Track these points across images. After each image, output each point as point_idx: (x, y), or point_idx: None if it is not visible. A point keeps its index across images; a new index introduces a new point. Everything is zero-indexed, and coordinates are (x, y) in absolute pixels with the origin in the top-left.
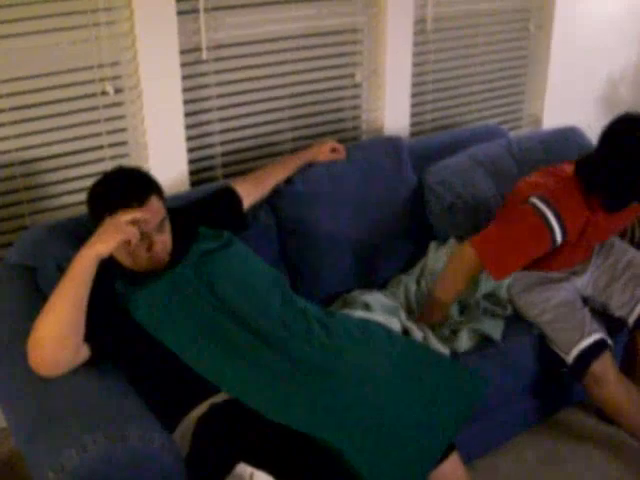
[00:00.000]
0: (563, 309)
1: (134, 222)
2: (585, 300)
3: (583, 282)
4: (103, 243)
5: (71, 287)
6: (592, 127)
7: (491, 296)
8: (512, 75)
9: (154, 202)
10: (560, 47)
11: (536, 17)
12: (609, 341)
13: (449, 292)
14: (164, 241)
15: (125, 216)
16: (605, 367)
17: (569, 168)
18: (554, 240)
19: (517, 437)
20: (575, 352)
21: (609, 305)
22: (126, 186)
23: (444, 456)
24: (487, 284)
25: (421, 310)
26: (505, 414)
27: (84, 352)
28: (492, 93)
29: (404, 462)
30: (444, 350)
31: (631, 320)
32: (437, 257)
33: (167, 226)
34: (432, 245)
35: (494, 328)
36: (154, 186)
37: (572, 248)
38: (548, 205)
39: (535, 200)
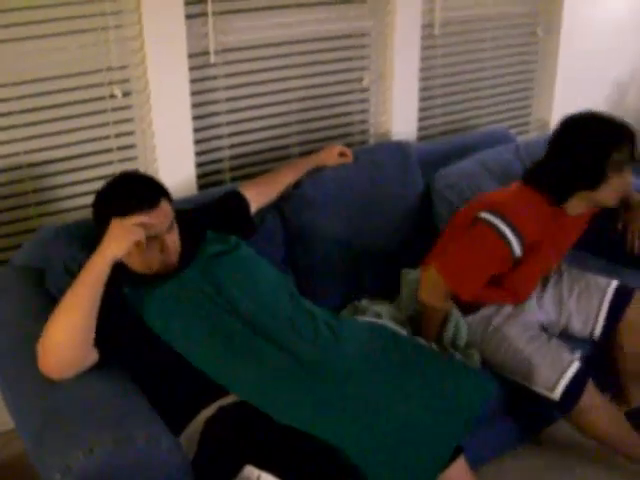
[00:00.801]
0: (534, 344)
1: (144, 226)
2: (545, 329)
3: (539, 312)
4: (117, 245)
5: (85, 291)
6: None
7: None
8: (520, 79)
9: (164, 205)
10: (568, 51)
11: (544, 22)
12: (583, 366)
13: (431, 317)
14: (174, 240)
15: (133, 219)
16: (591, 394)
17: (515, 185)
18: (512, 250)
19: (524, 443)
20: (561, 388)
21: (570, 325)
22: (137, 190)
23: (451, 460)
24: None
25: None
26: (512, 419)
27: (93, 355)
28: (500, 97)
29: (412, 465)
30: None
31: (597, 332)
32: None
33: (176, 227)
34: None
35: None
36: (163, 189)
37: (530, 266)
38: (500, 217)
39: (485, 215)
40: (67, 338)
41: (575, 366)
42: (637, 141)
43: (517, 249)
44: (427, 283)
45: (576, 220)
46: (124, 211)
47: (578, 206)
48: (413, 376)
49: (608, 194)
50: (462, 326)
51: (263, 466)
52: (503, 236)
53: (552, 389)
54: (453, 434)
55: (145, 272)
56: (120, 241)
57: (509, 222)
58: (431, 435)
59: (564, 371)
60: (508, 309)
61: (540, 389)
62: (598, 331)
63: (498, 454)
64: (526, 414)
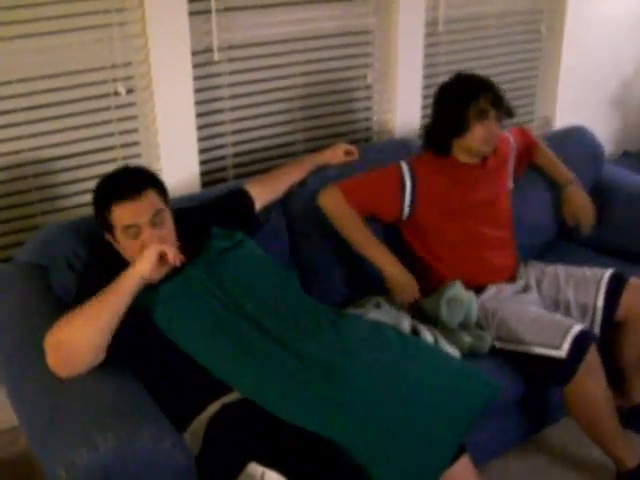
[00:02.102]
0: (537, 312)
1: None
2: None
3: (539, 303)
4: (141, 264)
5: (115, 300)
6: (604, 127)
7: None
8: (524, 77)
9: (149, 195)
10: (571, 48)
11: (547, 18)
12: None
13: (352, 230)
14: (162, 236)
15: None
16: (596, 356)
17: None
18: (403, 184)
19: (528, 439)
20: (569, 340)
21: (568, 316)
22: (121, 180)
23: (455, 457)
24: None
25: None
26: (516, 416)
27: (101, 357)
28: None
29: (416, 463)
30: (454, 352)
31: (598, 319)
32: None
33: (167, 222)
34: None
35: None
36: (151, 180)
37: (450, 230)
38: (408, 163)
39: (399, 161)
40: (85, 341)
41: (579, 326)
42: (496, 92)
43: (407, 182)
44: (325, 190)
45: (484, 176)
46: (106, 201)
47: (461, 155)
48: (417, 375)
49: (475, 140)
50: (473, 307)
51: (267, 463)
52: (399, 167)
53: (558, 347)
54: (456, 433)
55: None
56: (142, 260)
57: (411, 167)
58: (435, 433)
59: (569, 329)
60: (511, 290)
61: (547, 350)
62: (598, 317)
63: (502, 452)
64: (530, 412)
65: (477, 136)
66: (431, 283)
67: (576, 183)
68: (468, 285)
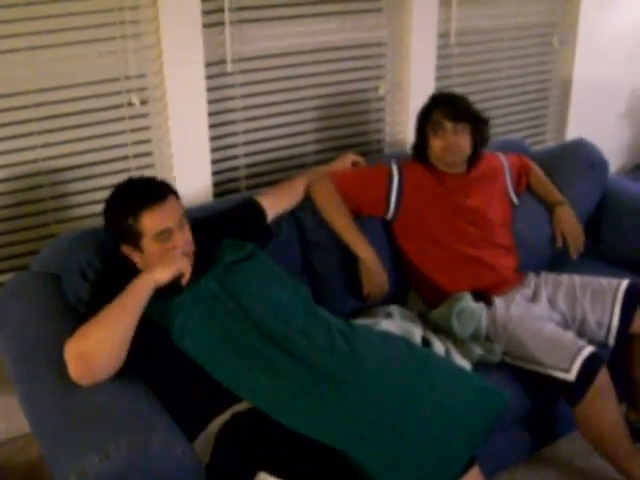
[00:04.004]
0: (549, 331)
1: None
2: None
3: (552, 312)
4: (161, 272)
5: (133, 307)
6: (616, 140)
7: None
8: (536, 89)
9: (172, 200)
10: (584, 61)
11: (560, 32)
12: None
13: (338, 216)
14: (187, 239)
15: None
16: (605, 377)
17: None
18: (390, 181)
19: (538, 452)
20: (578, 364)
21: (584, 326)
22: (144, 188)
23: (465, 469)
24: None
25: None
26: (525, 429)
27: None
28: (515, 107)
29: (426, 474)
30: (465, 364)
31: (613, 331)
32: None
33: (187, 227)
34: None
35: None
36: (169, 187)
37: (438, 236)
38: (398, 165)
39: (391, 161)
40: (106, 349)
41: (589, 348)
42: (454, 105)
43: (395, 180)
44: (317, 180)
45: (468, 184)
46: (132, 210)
47: (438, 164)
48: (427, 387)
49: (435, 151)
50: (482, 318)
51: (277, 473)
52: (389, 167)
53: (567, 370)
54: (468, 444)
55: None
56: (165, 268)
57: (401, 169)
58: (445, 446)
59: (579, 351)
60: (521, 303)
61: (555, 372)
62: (614, 330)
63: (511, 465)
64: (539, 425)
65: (435, 147)
66: (427, 289)
67: (567, 205)
68: (462, 288)
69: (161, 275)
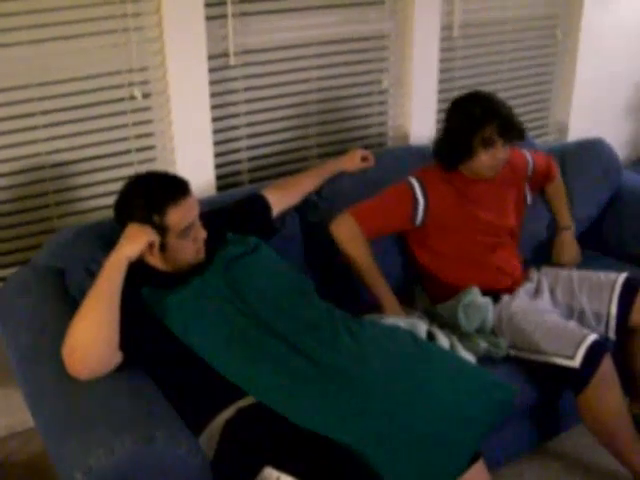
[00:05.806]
0: (552, 321)
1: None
2: None
3: (553, 308)
4: (130, 246)
5: (104, 289)
6: (619, 133)
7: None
8: (538, 82)
9: (192, 195)
10: (587, 54)
11: (563, 24)
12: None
13: (358, 259)
14: (203, 233)
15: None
16: (611, 366)
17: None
18: (415, 200)
19: (542, 446)
20: (582, 350)
21: (583, 320)
22: (166, 183)
23: (470, 462)
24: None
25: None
26: (529, 423)
27: (118, 357)
28: (518, 100)
29: (431, 469)
30: (470, 358)
31: (612, 324)
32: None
33: (200, 222)
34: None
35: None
36: (186, 182)
37: (461, 232)
38: (417, 178)
39: (408, 177)
40: (91, 337)
41: (594, 335)
42: (505, 119)
43: (420, 198)
44: (337, 219)
45: (491, 190)
46: (159, 206)
47: (466, 172)
48: (434, 381)
49: (479, 166)
50: (489, 312)
51: (282, 468)
52: (409, 184)
53: (572, 357)
54: (474, 437)
55: (169, 270)
56: (133, 242)
57: (421, 182)
58: (451, 438)
59: (583, 339)
60: (525, 298)
61: (560, 359)
62: (612, 322)
63: (516, 458)
64: (544, 419)
65: (482, 163)
66: (437, 291)
67: (572, 231)
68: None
69: (131, 250)
